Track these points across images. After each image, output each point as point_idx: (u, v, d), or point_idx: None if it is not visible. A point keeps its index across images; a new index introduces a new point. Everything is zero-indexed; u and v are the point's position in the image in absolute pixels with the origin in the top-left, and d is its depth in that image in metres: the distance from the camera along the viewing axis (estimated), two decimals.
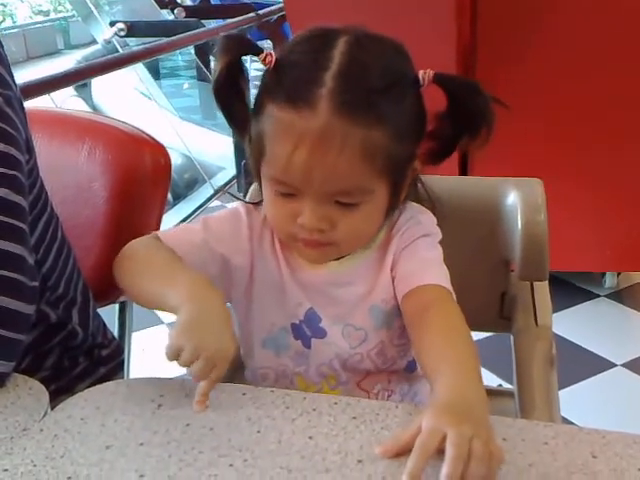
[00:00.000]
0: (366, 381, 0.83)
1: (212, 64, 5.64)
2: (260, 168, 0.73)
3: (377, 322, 0.79)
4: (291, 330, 0.81)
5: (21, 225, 0.75)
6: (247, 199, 0.94)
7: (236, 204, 0.83)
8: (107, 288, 1.06)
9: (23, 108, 0.83)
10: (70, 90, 4.67)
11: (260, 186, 0.76)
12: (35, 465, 0.57)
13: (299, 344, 0.81)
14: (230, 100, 0.73)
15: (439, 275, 0.76)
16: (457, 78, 0.73)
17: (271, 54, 0.70)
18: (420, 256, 0.77)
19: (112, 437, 0.60)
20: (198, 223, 0.81)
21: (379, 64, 0.69)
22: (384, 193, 0.72)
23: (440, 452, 0.54)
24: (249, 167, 0.76)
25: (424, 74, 0.71)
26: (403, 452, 0.56)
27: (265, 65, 0.70)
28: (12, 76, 0.81)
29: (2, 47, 0.80)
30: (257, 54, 0.70)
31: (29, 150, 0.83)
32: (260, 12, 4.37)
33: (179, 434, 0.61)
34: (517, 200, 0.97)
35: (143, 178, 1.06)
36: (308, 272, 0.79)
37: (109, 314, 1.09)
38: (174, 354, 0.63)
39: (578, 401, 1.83)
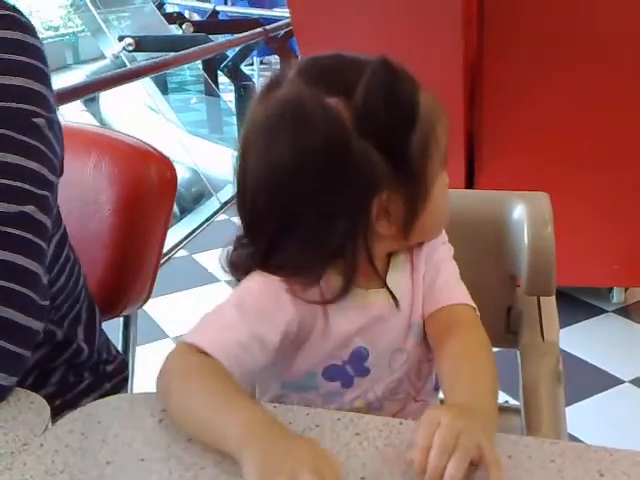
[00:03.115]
0: (400, 411, 0.80)
1: (220, 78, 5.67)
2: (427, 175, 0.69)
3: (417, 339, 0.78)
4: (322, 374, 0.75)
5: (42, 244, 0.76)
6: None
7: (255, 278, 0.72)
8: (112, 302, 1.07)
9: (62, 132, 0.84)
10: (79, 105, 4.70)
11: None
12: None
13: (336, 385, 0.76)
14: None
15: (463, 292, 0.77)
16: None
17: None
18: (444, 270, 0.77)
19: (113, 452, 0.60)
20: (233, 311, 0.69)
21: None
22: None
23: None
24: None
25: None
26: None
27: None
28: (55, 100, 0.82)
29: (49, 72, 0.81)
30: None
31: (60, 174, 0.84)
32: (268, 27, 4.40)
33: (180, 450, 0.60)
34: (523, 214, 0.96)
35: (149, 191, 1.05)
36: (359, 308, 0.73)
37: (113, 328, 1.09)
38: None
39: (585, 418, 1.81)
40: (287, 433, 0.58)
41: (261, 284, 0.71)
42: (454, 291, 0.76)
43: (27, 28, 0.79)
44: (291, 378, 0.77)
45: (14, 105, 0.75)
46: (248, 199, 0.69)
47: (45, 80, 0.79)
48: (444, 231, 0.80)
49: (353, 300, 0.72)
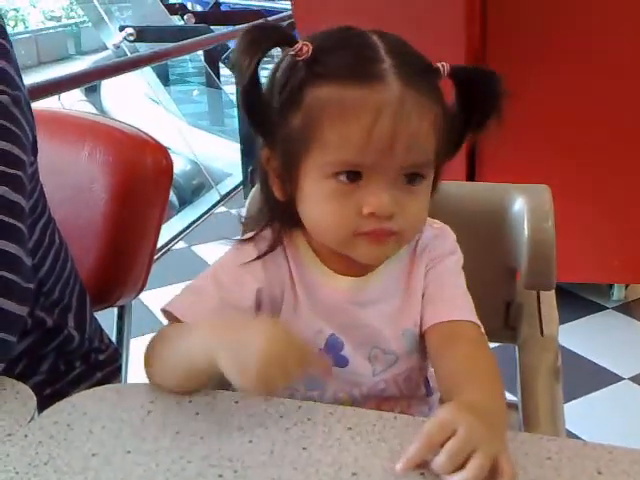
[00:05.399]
0: (385, 405, 0.78)
1: (222, 70, 5.66)
2: (299, 166, 0.68)
3: (410, 347, 0.76)
4: None
5: (19, 225, 0.73)
6: (247, 204, 0.91)
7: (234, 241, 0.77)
8: (105, 291, 1.05)
9: (31, 110, 0.81)
10: (80, 95, 4.69)
11: (283, 189, 0.72)
12: (17, 472, 0.55)
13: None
14: (258, 101, 0.67)
15: (469, 308, 0.74)
16: (471, 66, 0.73)
17: (307, 44, 0.66)
18: (450, 283, 0.75)
19: (98, 444, 0.58)
20: (208, 280, 0.74)
21: (413, 50, 0.69)
22: (431, 176, 0.70)
23: None
24: (261, 175, 0.73)
25: (442, 66, 0.70)
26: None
27: (299, 56, 0.66)
28: (21, 77, 0.80)
29: (12, 48, 0.79)
30: (291, 44, 0.66)
31: (34, 153, 0.82)
32: (269, 19, 4.38)
33: (168, 442, 0.58)
34: (524, 206, 0.95)
35: (144, 179, 1.04)
36: (328, 291, 0.73)
37: (108, 319, 1.07)
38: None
39: (584, 415, 1.80)
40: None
41: (235, 253, 0.75)
42: (459, 306, 0.74)
43: None
44: None
45: None
46: None
47: (7, 56, 0.76)
48: (454, 241, 0.77)
49: (320, 279, 0.74)
